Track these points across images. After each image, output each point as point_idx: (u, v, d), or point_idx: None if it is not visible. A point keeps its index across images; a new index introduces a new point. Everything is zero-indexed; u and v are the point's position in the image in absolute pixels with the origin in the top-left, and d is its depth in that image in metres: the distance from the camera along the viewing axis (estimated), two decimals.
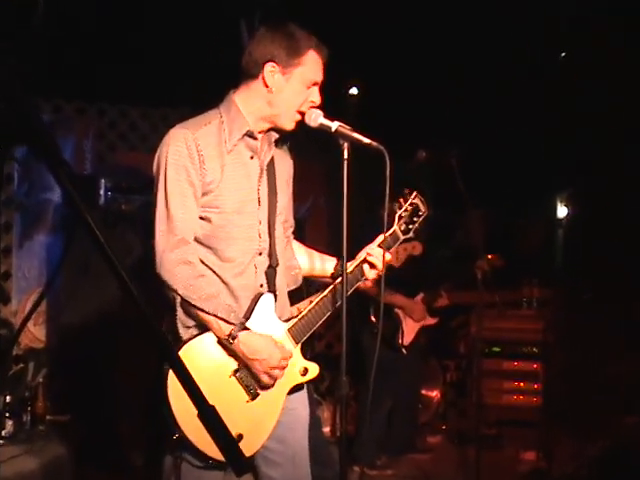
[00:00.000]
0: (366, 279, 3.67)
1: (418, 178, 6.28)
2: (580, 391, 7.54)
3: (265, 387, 3.34)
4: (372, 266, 3.65)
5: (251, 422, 3.34)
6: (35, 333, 7.10)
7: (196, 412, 1.96)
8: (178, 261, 3.23)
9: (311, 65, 3.38)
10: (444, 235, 8.25)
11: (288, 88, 3.37)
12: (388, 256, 3.70)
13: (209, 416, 1.93)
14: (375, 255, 3.63)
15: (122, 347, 6.23)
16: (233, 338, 3.23)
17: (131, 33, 6.68)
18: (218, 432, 1.93)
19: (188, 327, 3.33)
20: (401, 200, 3.82)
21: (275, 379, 3.33)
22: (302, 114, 3.40)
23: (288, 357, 3.36)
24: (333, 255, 3.81)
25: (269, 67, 3.34)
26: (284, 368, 3.35)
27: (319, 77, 3.43)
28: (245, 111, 3.40)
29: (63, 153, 7.10)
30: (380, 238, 3.68)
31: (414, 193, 3.86)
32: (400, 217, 3.80)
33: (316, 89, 3.43)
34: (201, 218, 3.32)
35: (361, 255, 3.66)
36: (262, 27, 3.45)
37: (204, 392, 3.13)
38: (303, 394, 3.62)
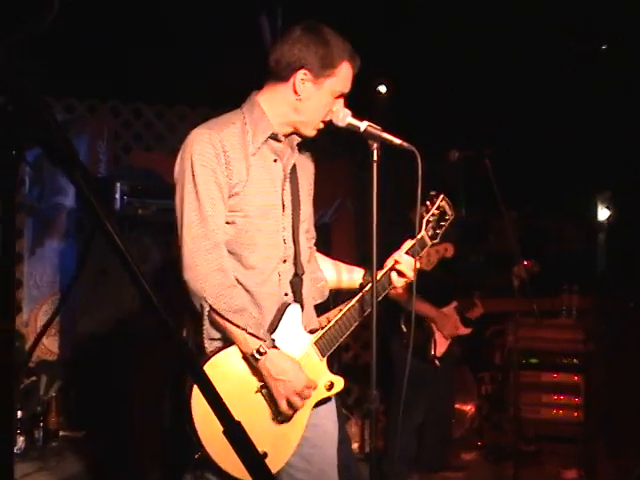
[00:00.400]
0: (394, 287, 3.66)
1: (450, 179, 6.27)
2: (624, 405, 7.48)
3: (283, 413, 3.30)
4: (400, 274, 3.64)
5: (275, 439, 3.33)
6: (47, 345, 7.13)
7: (221, 429, 1.96)
8: (211, 268, 3.22)
9: (343, 77, 3.40)
10: (477, 239, 8.22)
11: (317, 98, 3.38)
12: (411, 260, 3.67)
13: (236, 433, 1.92)
14: (403, 263, 3.62)
15: (140, 359, 6.23)
16: (261, 354, 3.22)
17: (146, 29, 6.69)
18: (245, 450, 1.92)
19: (213, 339, 3.32)
20: (428, 204, 3.81)
21: (294, 409, 3.30)
22: (324, 122, 3.42)
23: (313, 387, 3.35)
24: (359, 265, 3.80)
25: (301, 74, 3.34)
26: (306, 398, 3.32)
27: (347, 89, 3.45)
28: (269, 113, 3.40)
29: (78, 153, 7.11)
30: (407, 244, 3.67)
31: (441, 196, 3.85)
32: (428, 222, 3.79)
33: (341, 101, 3.45)
34: (226, 222, 3.32)
35: (388, 263, 3.65)
36: (298, 29, 3.43)
37: (230, 408, 3.15)
38: (331, 408, 3.61)
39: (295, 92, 3.36)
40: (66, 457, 6.17)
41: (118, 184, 6.50)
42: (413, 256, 3.65)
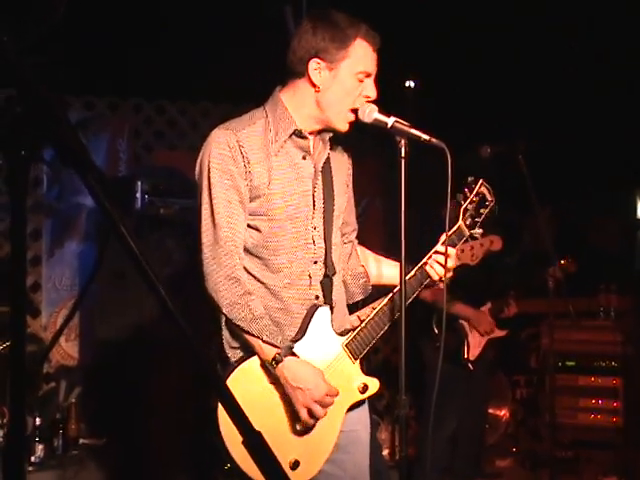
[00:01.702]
0: (432, 282, 3.62)
1: (482, 176, 6.24)
2: None
3: (304, 422, 3.28)
4: (434, 266, 3.59)
5: (307, 446, 3.33)
6: (67, 349, 7.13)
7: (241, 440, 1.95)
8: (224, 277, 3.22)
9: (360, 55, 3.32)
10: (511, 238, 8.17)
11: (337, 85, 3.32)
12: (452, 250, 3.63)
13: (256, 444, 1.92)
14: (440, 256, 3.55)
15: (161, 363, 6.23)
16: (277, 363, 3.21)
17: (169, 23, 6.70)
18: (266, 461, 1.91)
19: (234, 348, 3.33)
20: (466, 191, 3.74)
21: (316, 418, 3.28)
22: (356, 111, 3.36)
23: (334, 395, 3.32)
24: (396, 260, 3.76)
25: (314, 64, 3.30)
26: (328, 406, 3.30)
27: (371, 68, 3.36)
28: (293, 110, 3.37)
29: (96, 154, 7.14)
30: (444, 237, 3.61)
31: (480, 181, 3.78)
32: (465, 210, 3.72)
33: (370, 82, 3.37)
34: (249, 227, 3.31)
35: (423, 260, 3.62)
36: (304, 20, 3.41)
37: (257, 417, 3.12)
38: (364, 413, 3.60)
39: (312, 84, 3.32)
40: (86, 466, 6.16)
41: (139, 183, 6.49)
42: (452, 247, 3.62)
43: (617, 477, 6.87)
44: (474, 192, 3.75)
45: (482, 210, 3.76)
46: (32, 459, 5.98)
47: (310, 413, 3.25)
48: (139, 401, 6.45)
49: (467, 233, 3.73)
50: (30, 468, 5.94)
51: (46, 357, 6.69)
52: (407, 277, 3.46)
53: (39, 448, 6.02)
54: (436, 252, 3.57)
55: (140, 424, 6.39)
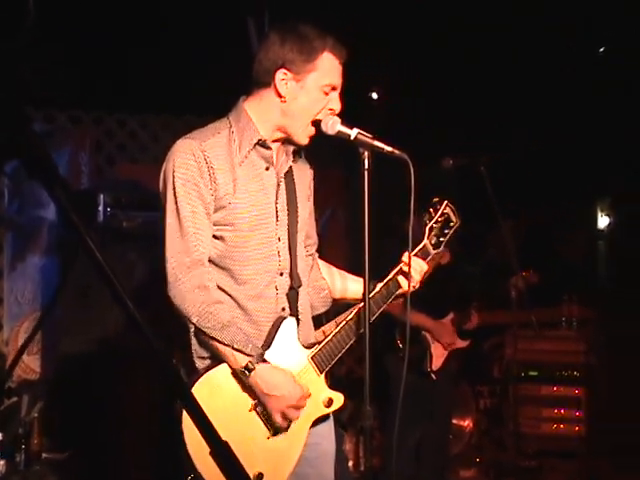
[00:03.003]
0: (402, 293, 3.63)
1: (445, 188, 6.27)
2: (627, 419, 7.48)
3: (279, 427, 3.30)
4: (406, 276, 3.60)
5: (272, 459, 3.32)
6: (29, 363, 7.09)
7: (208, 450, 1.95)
8: (193, 286, 3.21)
9: (327, 68, 3.32)
10: (473, 250, 8.22)
11: (303, 96, 3.32)
12: (424, 265, 3.67)
13: (222, 454, 1.92)
14: (412, 265, 3.56)
15: (125, 377, 6.21)
16: (249, 371, 3.20)
17: (128, 36, 6.68)
18: (232, 471, 1.92)
19: (202, 358, 3.32)
20: (431, 211, 3.79)
21: (290, 420, 3.29)
22: (319, 124, 3.37)
23: (307, 396, 3.33)
24: (359, 274, 3.77)
25: (280, 74, 3.30)
26: (301, 409, 3.31)
27: (337, 81, 3.37)
28: (257, 120, 3.37)
29: (57, 167, 7.10)
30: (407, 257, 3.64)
31: (444, 202, 3.83)
32: (431, 229, 3.77)
33: (335, 95, 3.38)
34: (214, 237, 3.30)
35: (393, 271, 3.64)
36: (271, 31, 3.43)
37: (223, 427, 3.11)
38: (328, 427, 3.60)
39: (278, 95, 3.32)
40: None
41: (101, 196, 6.47)
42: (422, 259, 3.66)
43: None
44: (439, 212, 3.80)
45: (446, 230, 3.81)
46: None
47: (284, 417, 3.26)
48: (103, 414, 6.42)
49: (432, 252, 3.77)
50: None
51: (11, 374, 6.64)
52: (372, 294, 3.49)
53: (1, 464, 5.98)
54: (405, 263, 3.58)
55: (104, 437, 6.36)
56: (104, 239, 6.48)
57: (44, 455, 6.51)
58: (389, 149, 3.25)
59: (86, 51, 6.58)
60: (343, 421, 7.81)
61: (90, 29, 6.52)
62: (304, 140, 3.42)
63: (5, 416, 6.64)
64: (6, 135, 1.49)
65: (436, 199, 3.83)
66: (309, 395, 3.34)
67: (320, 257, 3.91)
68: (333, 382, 3.53)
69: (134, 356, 5.45)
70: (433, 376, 6.55)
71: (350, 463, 7.22)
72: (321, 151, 3.69)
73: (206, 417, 1.90)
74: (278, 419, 3.26)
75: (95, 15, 6.46)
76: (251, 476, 3.23)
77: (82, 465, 6.37)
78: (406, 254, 3.56)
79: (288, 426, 3.31)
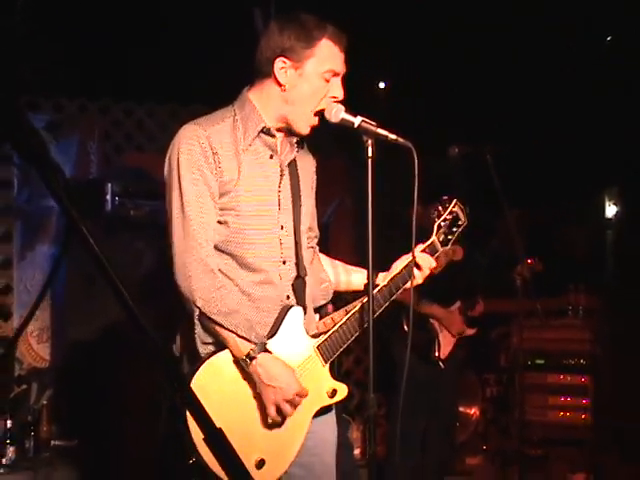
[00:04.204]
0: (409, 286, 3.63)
1: (451, 177, 6.25)
2: (633, 406, 7.46)
3: (272, 419, 3.28)
4: (418, 267, 3.61)
5: (274, 446, 3.32)
6: (39, 351, 7.10)
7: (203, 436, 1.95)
8: (198, 270, 3.21)
9: (326, 54, 3.31)
10: (480, 239, 8.20)
11: (303, 84, 3.32)
12: (432, 262, 3.68)
13: (216, 441, 1.91)
14: (420, 262, 3.60)
15: (133, 365, 6.21)
16: (251, 359, 3.20)
17: (136, 25, 6.68)
18: (226, 457, 1.91)
19: (206, 343, 3.31)
20: (440, 208, 3.80)
21: (284, 416, 3.28)
22: (320, 113, 3.36)
23: (304, 395, 3.31)
24: (359, 266, 3.77)
25: (279, 63, 3.30)
26: (297, 405, 3.30)
27: (338, 67, 3.35)
28: (261, 108, 3.37)
29: (67, 156, 7.12)
30: (419, 248, 3.65)
31: (454, 201, 3.83)
32: (439, 227, 3.78)
33: (337, 81, 3.37)
34: (219, 222, 3.30)
35: (398, 265, 3.63)
36: (272, 21, 3.42)
37: (224, 413, 3.14)
38: (331, 417, 3.59)
39: (278, 84, 3.32)
40: (58, 467, 6.13)
41: (109, 185, 6.50)
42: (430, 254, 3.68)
43: (586, 474, 6.90)
44: (448, 210, 3.81)
45: (455, 229, 3.82)
46: (3, 461, 5.98)
47: (279, 411, 3.25)
48: (110, 402, 6.43)
49: (440, 249, 3.78)
50: (1, 470, 5.95)
51: (14, 346, 6.67)
52: (378, 288, 3.52)
53: (10, 450, 6.00)
54: (413, 257, 3.58)
55: (111, 425, 6.37)
56: (112, 228, 6.50)
57: (53, 442, 6.53)
58: (393, 137, 3.24)
59: (95, 42, 6.59)
60: (350, 410, 7.82)
61: (98, 24, 6.54)
62: (305, 129, 3.41)
63: (15, 403, 6.66)
64: (2, 124, 1.48)
65: (445, 197, 3.83)
66: (306, 394, 3.32)
67: (328, 246, 3.91)
68: (341, 372, 3.53)
69: (139, 343, 5.45)
70: (441, 364, 6.54)
71: (357, 451, 7.23)
72: (323, 141, 3.68)
73: (200, 405, 1.89)
74: (272, 412, 3.24)
75: (104, 9, 6.48)
76: (252, 462, 3.24)
77: (90, 452, 6.39)
78: (416, 247, 3.58)
79: (283, 420, 3.30)
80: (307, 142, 3.60)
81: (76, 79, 6.90)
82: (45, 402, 6.75)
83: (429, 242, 3.72)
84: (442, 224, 3.78)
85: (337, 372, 3.65)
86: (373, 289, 3.30)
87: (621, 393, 7.64)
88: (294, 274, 3.45)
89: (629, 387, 7.59)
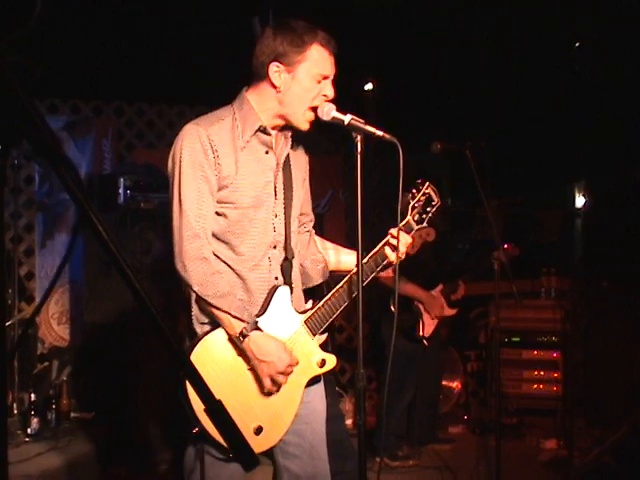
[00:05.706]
0: (388, 263, 3.63)
1: (434, 170, 6.24)
2: (600, 379, 7.49)
3: (267, 390, 3.30)
4: (393, 248, 3.60)
5: (270, 415, 3.33)
6: (59, 332, 7.14)
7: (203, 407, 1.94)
8: (193, 257, 3.21)
9: (316, 59, 3.31)
10: (463, 228, 8.21)
11: (296, 86, 3.31)
12: (409, 238, 3.67)
13: (215, 411, 1.90)
14: (397, 237, 3.57)
15: (146, 344, 6.22)
16: (244, 337, 3.21)
17: (146, 32, 6.69)
18: (225, 426, 1.90)
19: (203, 324, 3.32)
20: (414, 191, 3.79)
21: (278, 385, 3.30)
22: (316, 110, 3.36)
23: (295, 364, 3.33)
24: (352, 248, 3.76)
25: (273, 67, 3.29)
26: (289, 374, 3.31)
27: (328, 71, 3.35)
28: (258, 109, 3.37)
29: (83, 153, 7.15)
30: (394, 230, 3.64)
31: (426, 183, 3.83)
32: (413, 207, 3.77)
33: (328, 82, 3.37)
34: (217, 214, 3.30)
35: (380, 243, 3.64)
36: (266, 27, 3.42)
37: (223, 385, 3.14)
38: (320, 387, 3.60)
39: (273, 86, 3.32)
40: (77, 437, 6.18)
41: (121, 179, 6.54)
42: (406, 232, 3.67)
43: (557, 440, 6.92)
44: (421, 192, 3.80)
45: (429, 209, 3.81)
46: (28, 431, 6.07)
47: (273, 382, 3.26)
48: (124, 379, 6.44)
49: (415, 227, 3.77)
50: (27, 439, 6.02)
51: (33, 324, 6.71)
52: (363, 261, 3.49)
53: (34, 421, 6.07)
54: (392, 236, 3.59)
55: (125, 399, 6.39)
56: (125, 219, 6.53)
57: (72, 414, 6.58)
58: (380, 133, 3.24)
59: (110, 50, 6.62)
60: (343, 383, 7.83)
61: (113, 34, 6.55)
62: (305, 125, 3.40)
63: (38, 379, 6.70)
64: (14, 119, 1.47)
65: (419, 180, 3.83)
66: (297, 363, 3.34)
67: (321, 233, 3.91)
68: (334, 348, 3.53)
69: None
70: (425, 342, 6.55)
71: (349, 421, 7.22)
72: (324, 139, 3.67)
73: (201, 377, 1.88)
74: (267, 383, 3.26)
75: (119, 21, 6.49)
76: (252, 428, 3.26)
77: (107, 424, 6.41)
78: (393, 230, 3.58)
79: (278, 389, 3.31)
80: (302, 138, 3.59)
81: (92, 83, 6.92)
82: (65, 378, 6.81)
83: (404, 221, 3.71)
84: (416, 205, 3.77)
85: (330, 348, 3.64)
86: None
87: (587, 367, 7.67)
88: (282, 256, 3.45)
89: (595, 361, 7.62)
